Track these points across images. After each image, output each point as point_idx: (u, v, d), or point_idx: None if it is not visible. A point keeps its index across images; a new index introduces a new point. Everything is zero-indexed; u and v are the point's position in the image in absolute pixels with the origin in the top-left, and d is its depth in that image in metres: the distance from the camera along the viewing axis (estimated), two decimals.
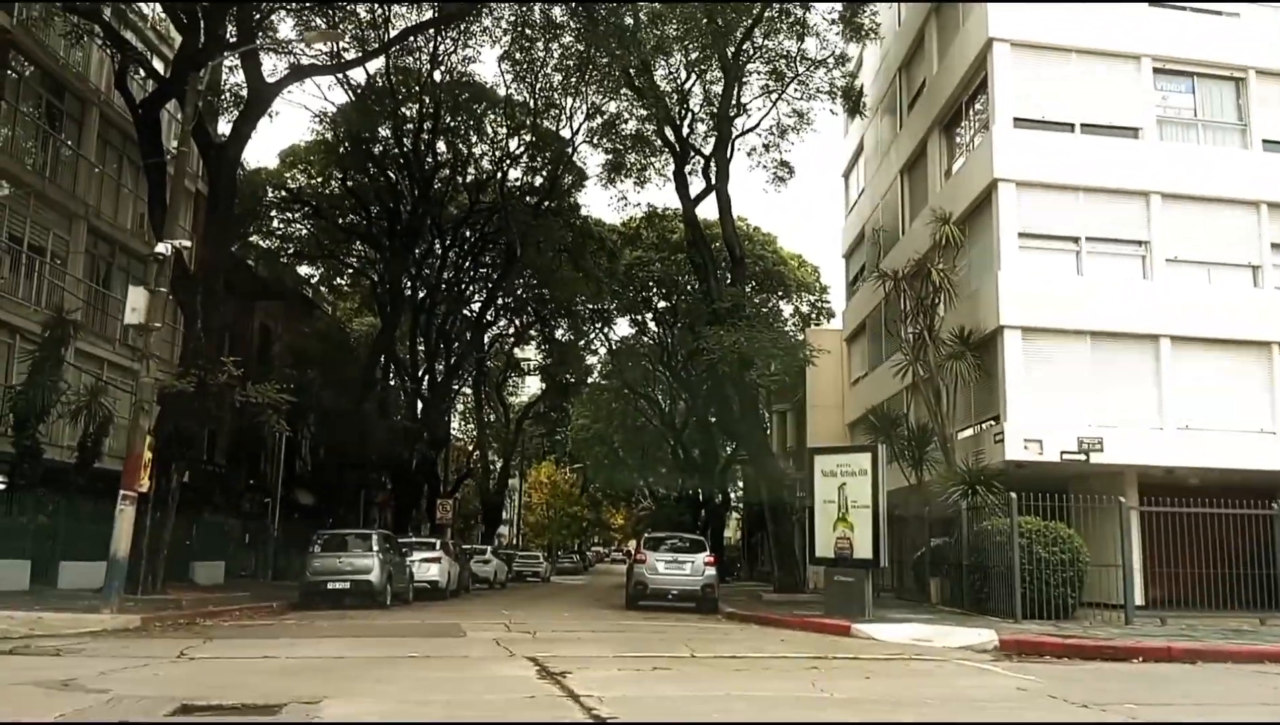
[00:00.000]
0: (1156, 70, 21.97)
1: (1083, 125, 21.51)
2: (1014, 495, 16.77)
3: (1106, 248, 21.24)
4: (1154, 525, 18.05)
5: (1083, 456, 19.76)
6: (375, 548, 20.67)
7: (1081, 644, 13.30)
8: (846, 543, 16.72)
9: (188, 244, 16.09)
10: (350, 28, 26.07)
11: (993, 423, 20.76)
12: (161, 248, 15.18)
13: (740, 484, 54.18)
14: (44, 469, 21.90)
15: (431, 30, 33.04)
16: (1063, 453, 19.72)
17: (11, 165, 22.97)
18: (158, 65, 20.77)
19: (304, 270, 43.70)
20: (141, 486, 15.01)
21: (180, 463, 18.66)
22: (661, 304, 46.72)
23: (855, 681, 9.46)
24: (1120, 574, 18.34)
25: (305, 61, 25.07)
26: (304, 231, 40.57)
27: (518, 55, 33.59)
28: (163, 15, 23.48)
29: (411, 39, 33.37)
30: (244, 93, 23.64)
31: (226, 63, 22.57)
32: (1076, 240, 21.10)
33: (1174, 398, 20.64)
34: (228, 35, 18.22)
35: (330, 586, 19.89)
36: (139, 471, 14.79)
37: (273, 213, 38.61)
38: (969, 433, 21.92)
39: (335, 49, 25.06)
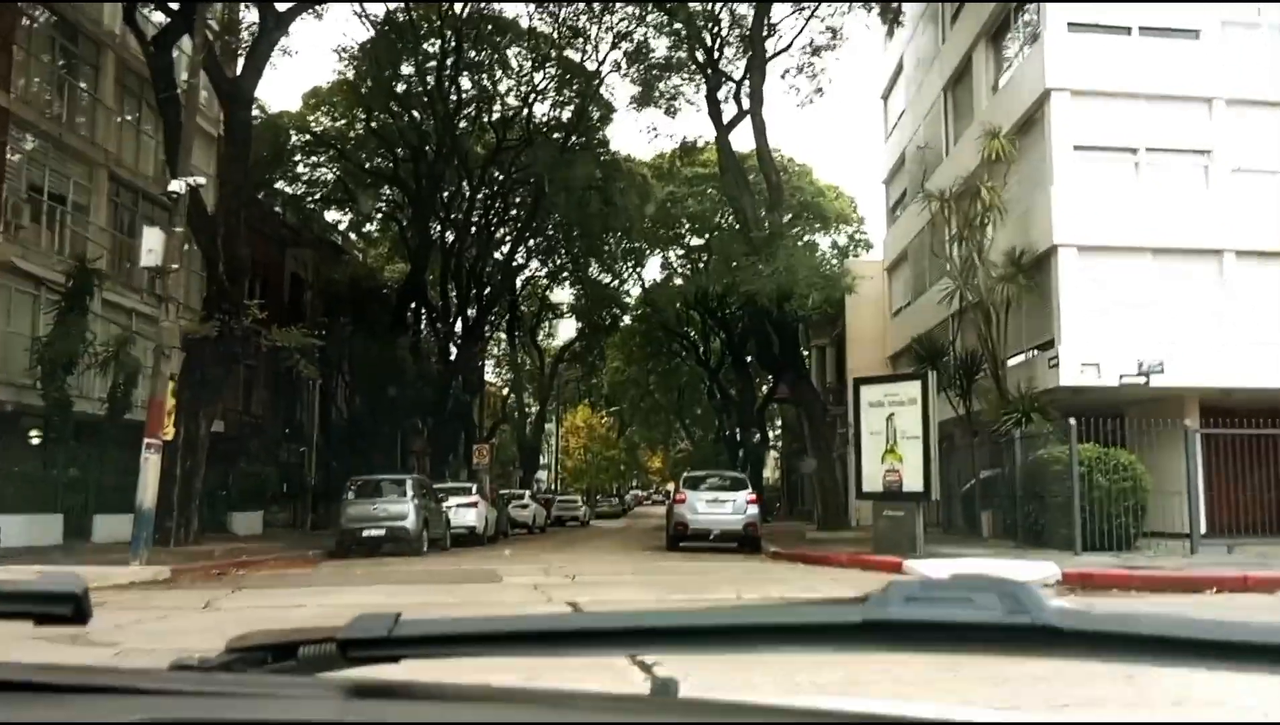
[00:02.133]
0: None
1: (1140, 28, 20.20)
2: (1073, 421, 15.92)
3: (1166, 158, 20.06)
4: (1216, 449, 17.24)
5: (1143, 380, 18.79)
6: (410, 494, 20.22)
7: (1150, 575, 12.57)
8: (896, 475, 16.01)
9: (202, 181, 15.46)
10: None
11: (1046, 348, 19.81)
12: (175, 185, 14.55)
13: (779, 422, 53.60)
14: (75, 421, 21.70)
15: None
16: (1121, 377, 18.77)
17: (28, 113, 22.40)
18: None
19: (332, 216, 43.14)
20: (166, 434, 14.56)
21: (209, 409, 18.22)
22: (694, 241, 45.75)
23: None
24: (1185, 502, 17.56)
25: None
26: (330, 175, 39.91)
27: None
28: None
29: None
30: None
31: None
32: (1134, 151, 19.93)
33: (1238, 316, 19.56)
34: None
35: (366, 534, 19.50)
36: (163, 419, 14.33)
37: (297, 157, 37.90)
38: (1020, 359, 20.98)
39: None
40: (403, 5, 33.34)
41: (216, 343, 17.24)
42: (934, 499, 16.33)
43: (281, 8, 21.31)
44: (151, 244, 14.36)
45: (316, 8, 31.07)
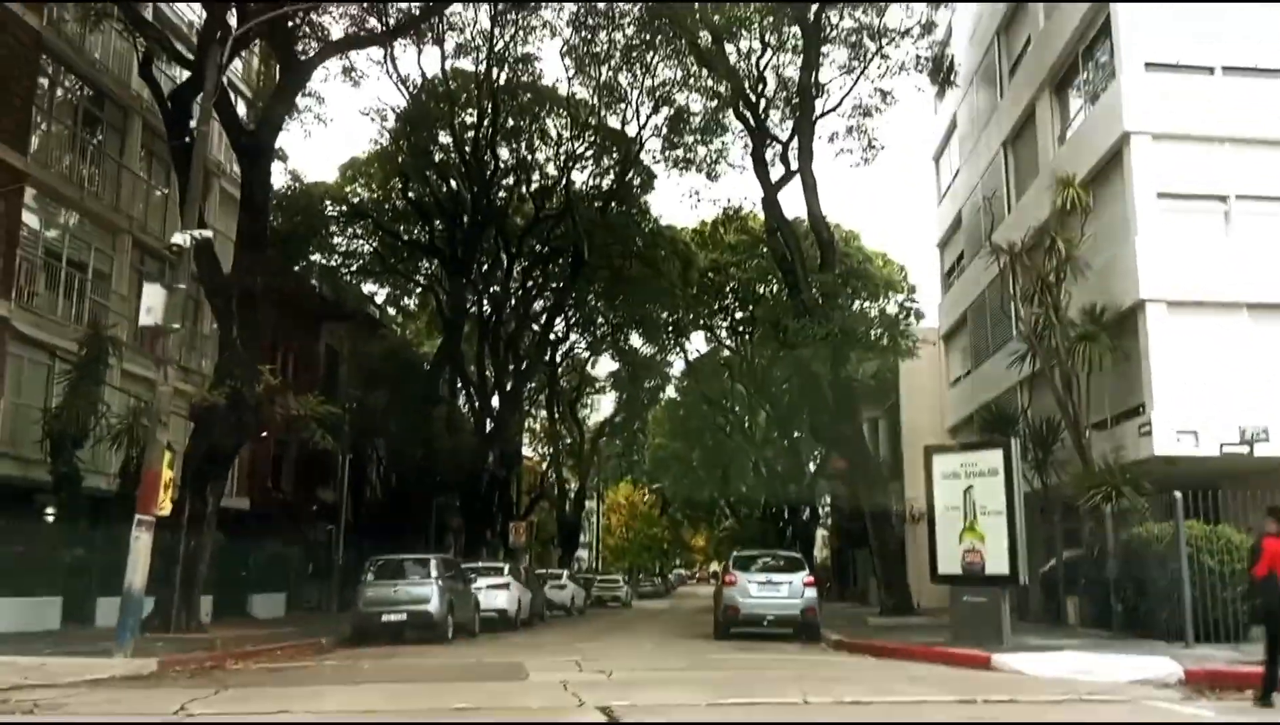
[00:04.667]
0: None
1: (1224, 67, 18.68)
2: (1179, 494, 14.04)
3: (1259, 207, 18.34)
4: None
5: (1245, 449, 16.83)
6: (434, 574, 18.58)
7: None
8: (976, 555, 14.18)
9: (209, 234, 14.31)
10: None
11: (1134, 414, 17.92)
12: (179, 238, 13.40)
13: (828, 499, 51.50)
14: (85, 497, 20.49)
15: (489, 23, 31.51)
16: (1222, 445, 16.82)
17: (46, 176, 21.63)
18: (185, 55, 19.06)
19: (369, 288, 42.36)
20: (161, 509, 13.18)
21: (217, 484, 16.85)
22: (739, 314, 44.39)
23: None
24: None
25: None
26: (367, 247, 39.17)
27: (579, 47, 31.76)
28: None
29: (468, 34, 31.97)
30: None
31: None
32: (1224, 198, 18.24)
33: None
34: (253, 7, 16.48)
35: (385, 619, 17.88)
36: (157, 493, 12.96)
37: (333, 229, 37.21)
38: (1104, 428, 19.07)
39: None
40: (439, 74, 32.78)
41: (227, 412, 15.89)
42: (1023, 583, 14.40)
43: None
44: (151, 301, 13.15)
45: (351, 75, 30.82)
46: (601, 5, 29.98)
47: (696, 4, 24.79)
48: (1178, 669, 11.22)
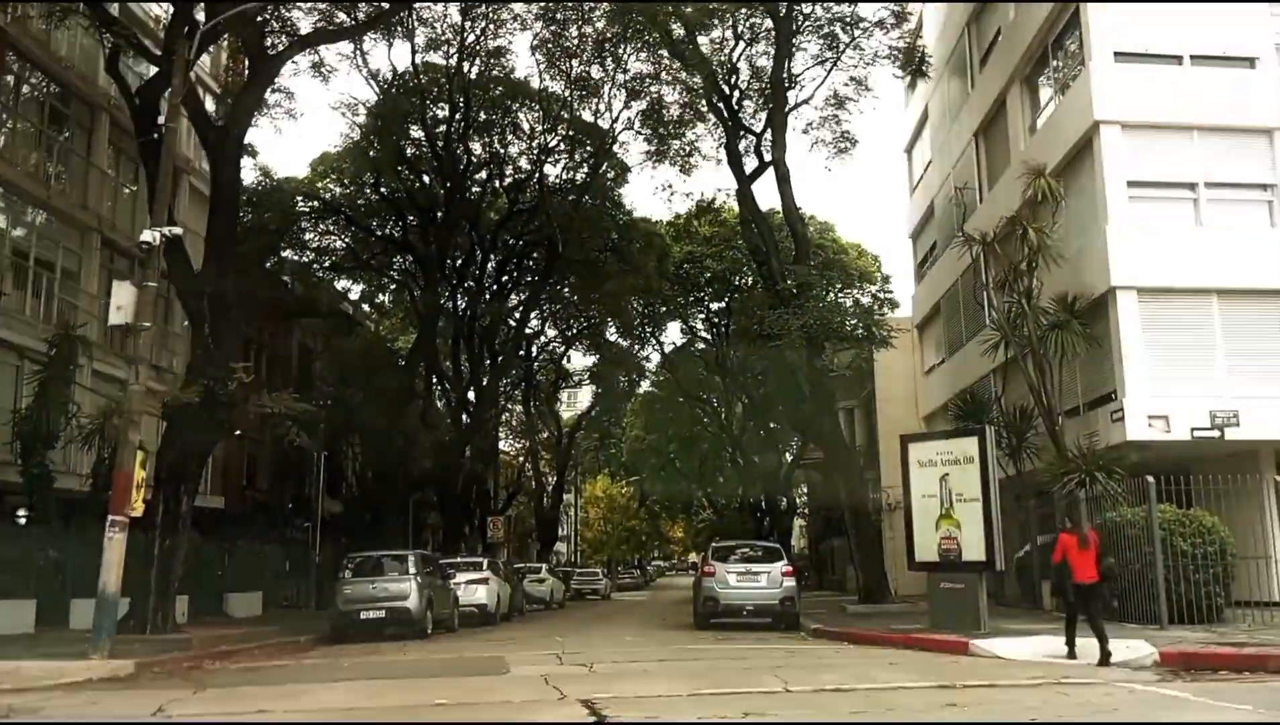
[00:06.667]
0: None
1: (1191, 56, 18.85)
2: (1151, 479, 14.20)
3: (1228, 194, 18.54)
4: None
5: (1216, 433, 17.05)
6: (413, 570, 18.52)
7: (1264, 654, 10.82)
8: (953, 543, 14.30)
9: (178, 231, 14.12)
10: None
11: (1107, 401, 18.09)
12: (148, 235, 13.25)
13: (805, 489, 51.70)
14: (57, 498, 20.26)
15: (459, 17, 31.31)
16: (1194, 430, 17.03)
17: (11, 175, 21.33)
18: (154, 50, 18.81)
19: (343, 285, 42.01)
20: (134, 510, 13.05)
21: (191, 484, 16.68)
22: (715, 305, 44.46)
23: (1021, 720, 7.13)
24: (1273, 566, 15.79)
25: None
26: (340, 244, 38.84)
27: (549, 41, 31.66)
28: None
29: (439, 29, 31.78)
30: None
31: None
32: (1193, 186, 18.42)
33: None
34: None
35: (364, 616, 17.81)
36: (130, 494, 12.83)
37: (305, 225, 36.85)
38: (1076, 414, 19.24)
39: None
40: (410, 67, 32.52)
41: (200, 410, 15.73)
42: (999, 569, 14.52)
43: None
44: (121, 300, 13.01)
45: (321, 70, 30.54)
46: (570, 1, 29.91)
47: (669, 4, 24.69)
48: (1153, 651, 11.36)
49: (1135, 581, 14.82)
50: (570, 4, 29.77)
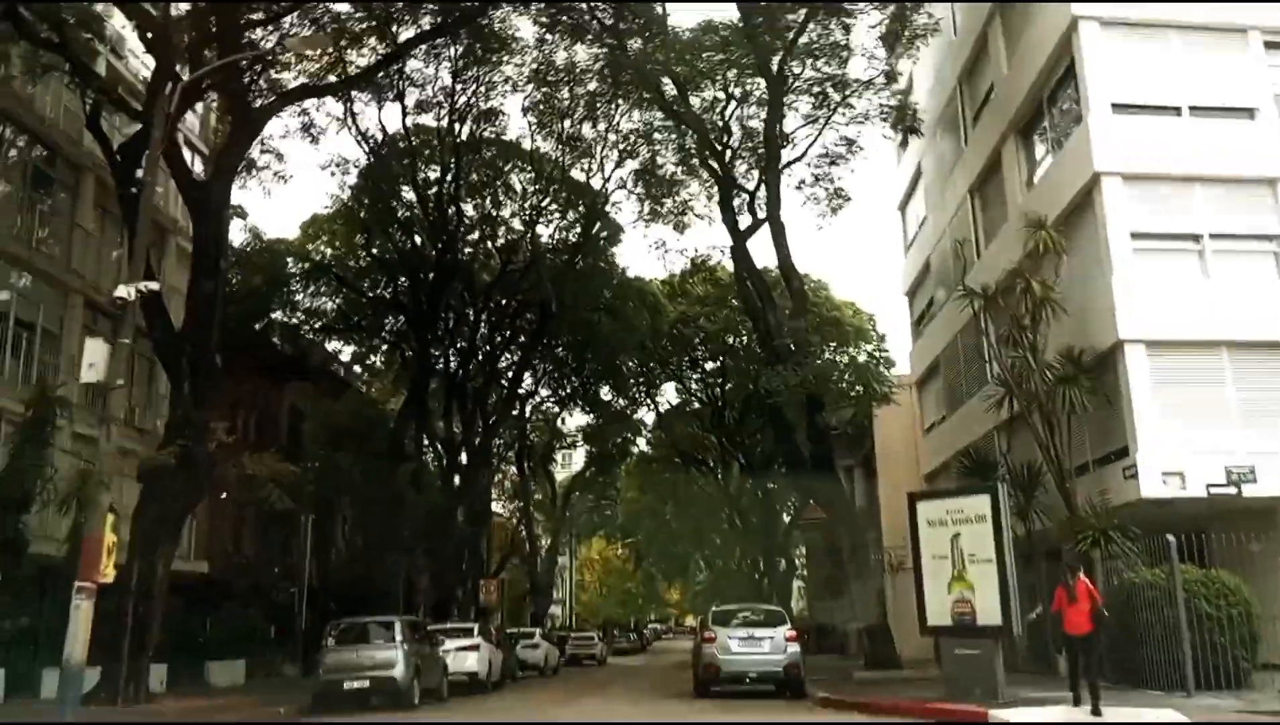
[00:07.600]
0: (1267, 45, 19.10)
1: (1190, 107, 18.63)
2: (1172, 538, 13.63)
3: (1233, 245, 18.18)
4: None
5: (1233, 489, 16.48)
6: (399, 637, 17.69)
7: None
8: (966, 606, 13.66)
9: (155, 286, 13.67)
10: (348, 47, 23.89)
11: (1118, 457, 17.53)
12: (122, 290, 12.79)
13: (803, 550, 50.90)
14: (32, 563, 19.51)
15: (450, 79, 31.27)
16: (1209, 486, 16.45)
17: None
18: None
19: (334, 346, 41.60)
20: (104, 577, 12.41)
21: (167, 548, 16.01)
22: (709, 365, 44.11)
23: None
24: None
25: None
26: (331, 305, 38.50)
27: (541, 103, 31.67)
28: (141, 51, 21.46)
29: (429, 91, 31.72)
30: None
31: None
32: (1198, 238, 18.07)
33: None
34: (204, 56, 16.01)
35: (348, 686, 16.99)
36: (99, 559, 12.19)
37: (295, 286, 36.53)
38: (1087, 471, 18.68)
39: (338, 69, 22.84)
40: (401, 129, 32.37)
41: (177, 472, 15.12)
42: (1016, 634, 13.86)
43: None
44: (94, 357, 12.51)
45: (311, 131, 30.43)
46: (560, 60, 29.90)
47: (662, 57, 24.62)
48: (1183, 720, 10.72)
49: (1157, 645, 14.18)
50: (559, 61, 29.77)
